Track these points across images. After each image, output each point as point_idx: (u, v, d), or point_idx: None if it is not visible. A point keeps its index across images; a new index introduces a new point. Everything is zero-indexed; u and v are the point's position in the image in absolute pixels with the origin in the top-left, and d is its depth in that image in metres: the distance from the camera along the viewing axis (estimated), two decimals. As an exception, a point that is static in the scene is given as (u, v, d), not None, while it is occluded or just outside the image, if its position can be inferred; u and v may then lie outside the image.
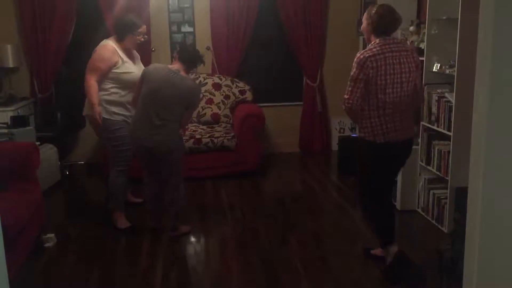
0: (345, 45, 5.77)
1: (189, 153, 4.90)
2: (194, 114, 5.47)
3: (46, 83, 5.47)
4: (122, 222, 3.81)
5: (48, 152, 4.79)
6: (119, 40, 3.66)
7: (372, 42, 2.93)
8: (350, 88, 2.91)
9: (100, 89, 3.62)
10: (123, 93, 3.67)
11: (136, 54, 3.86)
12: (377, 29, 2.91)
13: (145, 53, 5.55)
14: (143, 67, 3.71)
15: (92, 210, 4.33)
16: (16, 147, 3.51)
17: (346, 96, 2.93)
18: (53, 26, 5.33)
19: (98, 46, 3.69)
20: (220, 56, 5.66)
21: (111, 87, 3.66)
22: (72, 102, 5.19)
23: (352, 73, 2.90)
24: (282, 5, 5.60)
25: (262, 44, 5.85)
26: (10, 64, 5.26)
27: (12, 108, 4.90)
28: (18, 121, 4.30)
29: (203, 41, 5.71)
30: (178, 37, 5.73)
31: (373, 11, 2.90)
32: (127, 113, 3.71)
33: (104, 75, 3.61)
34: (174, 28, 5.69)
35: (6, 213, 2.76)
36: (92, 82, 3.58)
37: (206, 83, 5.46)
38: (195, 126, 5.31)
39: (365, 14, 2.99)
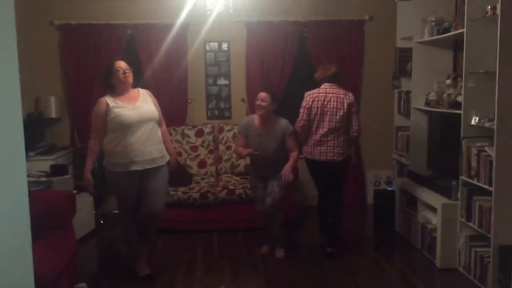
0: (380, 98, 5.78)
1: (223, 204, 4.90)
2: (228, 165, 5.51)
3: (86, 134, 5.63)
4: (141, 270, 3.83)
5: (84, 201, 4.87)
6: (110, 90, 3.66)
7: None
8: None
9: (104, 143, 3.61)
10: (116, 140, 3.54)
11: (144, 96, 3.75)
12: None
13: (182, 105, 5.73)
14: (149, 104, 3.69)
15: (124, 260, 4.32)
16: (53, 195, 3.59)
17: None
18: (95, 79, 5.55)
19: None
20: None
21: (109, 138, 3.59)
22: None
23: None
24: (316, 59, 5.68)
25: (296, 97, 5.88)
26: (53, 114, 5.48)
27: (53, 157, 5.04)
28: (57, 170, 4.42)
29: (239, 94, 5.82)
30: (214, 89, 5.86)
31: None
32: (126, 160, 3.54)
33: (102, 129, 3.58)
34: (210, 80, 5.83)
35: (41, 262, 2.78)
36: (90, 142, 3.66)
37: (241, 134, 5.50)
38: (228, 176, 5.32)
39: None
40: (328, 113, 4.06)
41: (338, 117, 4.05)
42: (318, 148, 4.10)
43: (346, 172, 4.48)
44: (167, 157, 3.77)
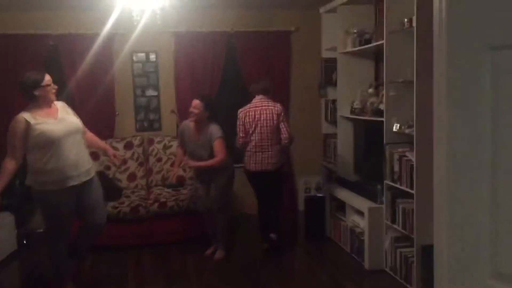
0: (308, 107, 5.93)
1: (154, 217, 4.80)
2: (159, 177, 5.41)
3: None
4: None
5: (5, 221, 4.60)
6: (31, 104, 3.42)
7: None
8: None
9: (29, 162, 3.42)
10: (45, 157, 3.35)
11: (62, 108, 3.58)
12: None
13: (109, 117, 5.56)
14: (71, 116, 3.56)
15: (50, 283, 4.11)
16: (-30, 216, 3.35)
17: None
18: (15, 91, 5.25)
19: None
20: (184, 118, 5.67)
21: (35, 157, 3.38)
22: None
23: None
24: (245, 69, 5.73)
25: (225, 108, 5.91)
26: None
27: (-32, 175, 4.70)
28: (-27, 189, 4.12)
29: (168, 105, 5.75)
30: (142, 100, 5.75)
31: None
32: (62, 177, 3.40)
33: (20, 149, 3.35)
34: (139, 92, 5.72)
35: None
36: (5, 161, 3.35)
37: (171, 145, 5.44)
38: (160, 189, 5.23)
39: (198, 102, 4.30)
40: (259, 125, 4.32)
41: (269, 128, 4.32)
42: (253, 159, 4.37)
43: (280, 180, 4.64)
44: (94, 168, 3.74)
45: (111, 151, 3.90)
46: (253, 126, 4.34)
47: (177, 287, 3.90)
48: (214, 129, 4.28)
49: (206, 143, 4.25)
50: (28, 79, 3.42)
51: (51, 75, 3.52)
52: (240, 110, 4.43)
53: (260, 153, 4.35)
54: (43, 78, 3.43)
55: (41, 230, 5.29)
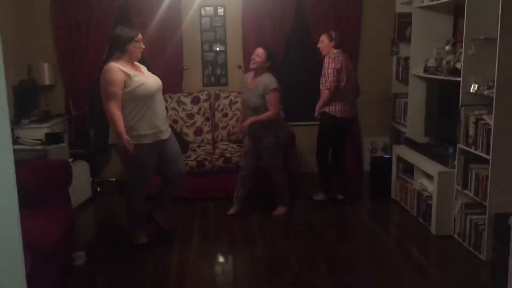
0: (378, 65, 5.71)
1: (219, 172, 4.90)
2: (224, 132, 5.47)
3: (80, 101, 5.58)
4: (140, 238, 3.88)
5: (81, 169, 4.86)
6: (121, 56, 3.51)
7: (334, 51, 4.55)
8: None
9: (123, 115, 3.45)
10: (141, 110, 3.49)
11: (141, 66, 3.72)
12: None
13: (177, 71, 5.64)
14: (155, 76, 3.67)
15: (122, 228, 4.35)
16: (48, 164, 3.56)
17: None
18: (88, 46, 5.45)
19: (102, 73, 3.50)
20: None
21: (130, 111, 3.47)
22: (104, 120, 5.27)
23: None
24: (314, 25, 5.57)
25: (294, 63, 5.83)
26: (47, 81, 5.40)
27: (47, 125, 5.00)
28: (52, 138, 4.37)
29: (235, 60, 5.74)
30: (210, 55, 5.77)
31: (334, 35, 4.57)
32: (156, 130, 3.57)
33: (121, 97, 3.42)
34: (206, 47, 5.73)
35: (38, 232, 2.79)
36: (113, 109, 3.39)
37: (237, 101, 5.45)
38: (225, 144, 5.30)
39: (324, 36, 4.59)
40: (345, 75, 4.49)
41: (352, 79, 4.61)
42: (342, 106, 4.54)
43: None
44: None
45: None
46: (342, 75, 4.46)
47: (240, 242, 3.98)
48: (270, 80, 4.19)
49: (260, 90, 4.16)
50: (123, 32, 3.53)
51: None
52: (335, 55, 4.46)
53: (347, 102, 4.55)
54: (137, 34, 3.55)
55: (114, 179, 5.59)
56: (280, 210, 4.48)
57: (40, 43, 5.53)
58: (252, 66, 4.28)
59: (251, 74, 4.37)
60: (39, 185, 3.24)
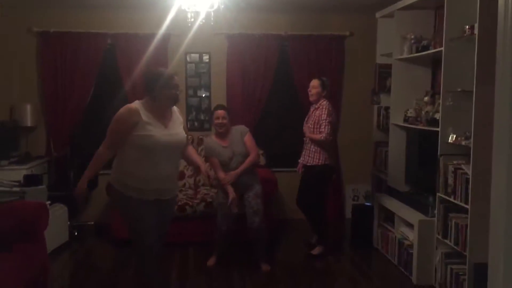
0: (360, 113, 5.81)
1: (201, 218, 4.84)
2: (206, 177, 5.43)
3: (62, 143, 5.54)
4: None
5: (58, 212, 4.77)
6: (149, 99, 3.08)
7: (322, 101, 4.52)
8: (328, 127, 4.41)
9: (119, 158, 3.11)
10: (142, 162, 3.03)
11: (176, 115, 3.21)
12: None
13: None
14: (179, 126, 3.19)
15: (98, 274, 4.23)
16: (25, 206, 3.47)
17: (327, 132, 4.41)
18: (73, 88, 5.47)
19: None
20: (234, 119, 5.69)
21: (128, 156, 3.06)
22: (86, 162, 5.23)
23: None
24: (297, 73, 5.70)
25: (276, 109, 5.91)
26: (29, 123, 5.37)
27: (26, 166, 4.93)
28: (30, 180, 4.31)
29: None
30: (194, 100, 5.83)
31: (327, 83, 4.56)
32: (150, 188, 3.07)
33: (121, 140, 3.02)
34: (191, 92, 5.80)
35: (7, 276, 2.69)
36: (101, 148, 3.07)
37: (220, 147, 5.45)
38: (206, 189, 5.27)
39: (317, 82, 4.51)
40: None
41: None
42: (334, 153, 4.83)
43: None
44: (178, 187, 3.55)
45: (204, 167, 3.36)
46: (335, 125, 4.67)
47: (219, 286, 3.90)
48: (240, 127, 4.38)
49: (237, 140, 4.26)
50: (158, 71, 3.16)
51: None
52: (330, 106, 4.49)
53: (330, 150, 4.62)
54: (173, 75, 3.14)
55: (92, 223, 5.48)
56: (267, 266, 4.27)
57: (24, 84, 5.54)
58: (221, 130, 4.29)
59: (214, 138, 4.36)
60: (14, 228, 3.17)
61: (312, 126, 4.46)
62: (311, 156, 4.49)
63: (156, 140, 3.01)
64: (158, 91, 3.04)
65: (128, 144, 3.02)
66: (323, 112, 4.40)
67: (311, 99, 4.52)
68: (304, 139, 4.60)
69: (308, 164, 4.52)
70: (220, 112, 4.30)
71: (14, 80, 5.49)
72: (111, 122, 3.07)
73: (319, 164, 4.45)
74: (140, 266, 3.18)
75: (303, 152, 4.60)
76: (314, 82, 4.51)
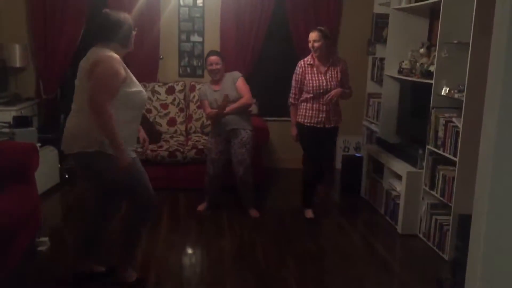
0: (355, 63, 5.73)
1: (192, 163, 4.87)
2: (198, 124, 5.44)
3: (51, 85, 5.46)
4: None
5: (49, 154, 4.77)
6: (118, 48, 2.83)
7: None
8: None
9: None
10: (132, 121, 2.85)
11: None
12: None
13: (153, 61, 5.58)
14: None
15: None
16: (15, 147, 3.47)
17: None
18: (62, 28, 5.34)
19: (98, 58, 2.71)
20: (227, 67, 5.61)
21: (121, 117, 2.73)
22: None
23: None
24: (292, 20, 5.59)
25: (271, 57, 5.82)
26: (17, 63, 5.27)
27: (16, 108, 4.88)
28: (20, 121, 4.27)
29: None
30: (187, 46, 5.72)
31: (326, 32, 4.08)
32: (131, 148, 2.88)
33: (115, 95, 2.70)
34: (183, 37, 5.68)
35: (-1, 214, 2.72)
36: (110, 111, 2.63)
37: (212, 93, 5.42)
38: (198, 136, 5.27)
39: (318, 34, 4.02)
40: None
41: None
42: None
43: None
44: None
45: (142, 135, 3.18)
46: None
47: (210, 233, 3.97)
48: (233, 72, 4.37)
49: (229, 86, 4.24)
50: (126, 18, 2.89)
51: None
52: (344, 61, 4.30)
53: None
54: (131, 24, 2.92)
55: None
56: (255, 212, 4.34)
57: (13, 23, 5.39)
58: (215, 77, 4.27)
59: (210, 84, 4.35)
60: (3, 168, 3.17)
61: (339, 84, 4.13)
62: (337, 115, 4.23)
63: (144, 97, 2.86)
64: (129, 39, 2.86)
65: (116, 104, 2.68)
66: (346, 67, 4.22)
67: (316, 54, 4.05)
68: (327, 97, 4.06)
69: (336, 125, 4.25)
70: (214, 58, 4.24)
71: (2, 19, 5.33)
72: (107, 79, 2.66)
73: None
74: (144, 217, 3.00)
75: (324, 114, 4.10)
76: (314, 35, 4.01)
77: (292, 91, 4.20)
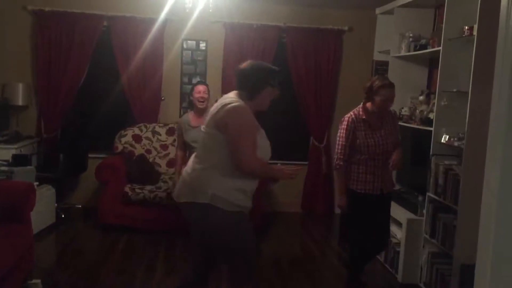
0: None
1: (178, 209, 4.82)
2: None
3: (53, 124, 5.48)
4: None
5: (46, 194, 4.73)
6: (246, 97, 2.64)
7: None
8: None
9: (221, 172, 2.51)
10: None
11: None
12: None
13: (155, 102, 5.62)
14: None
15: (83, 258, 4.20)
16: (12, 186, 3.44)
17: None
18: (66, 69, 5.40)
19: (233, 106, 2.54)
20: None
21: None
22: (76, 145, 5.19)
23: None
24: (293, 66, 5.67)
25: (271, 102, 5.85)
26: (20, 102, 5.30)
27: (15, 146, 4.87)
28: (19, 160, 4.26)
29: (213, 94, 5.73)
30: (189, 88, 5.73)
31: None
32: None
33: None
34: (186, 79, 5.75)
35: (-10, 255, 2.66)
36: (254, 162, 2.54)
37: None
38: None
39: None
40: None
41: None
42: None
43: None
44: None
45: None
46: None
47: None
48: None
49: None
50: (266, 66, 2.77)
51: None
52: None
53: None
54: (279, 70, 2.76)
55: (80, 206, 5.44)
56: None
57: (17, 62, 5.46)
58: (202, 105, 4.29)
59: (190, 116, 4.32)
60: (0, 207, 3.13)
61: (393, 141, 3.53)
62: (391, 179, 3.65)
63: (269, 152, 2.67)
64: (264, 90, 2.67)
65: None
66: (396, 117, 3.73)
67: (380, 110, 3.51)
68: (390, 166, 3.47)
69: (391, 190, 3.69)
70: (202, 87, 4.28)
71: (7, 58, 5.41)
72: (247, 126, 2.55)
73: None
74: (247, 275, 2.66)
75: (378, 178, 3.47)
76: (391, 94, 3.46)
77: (341, 150, 3.45)
